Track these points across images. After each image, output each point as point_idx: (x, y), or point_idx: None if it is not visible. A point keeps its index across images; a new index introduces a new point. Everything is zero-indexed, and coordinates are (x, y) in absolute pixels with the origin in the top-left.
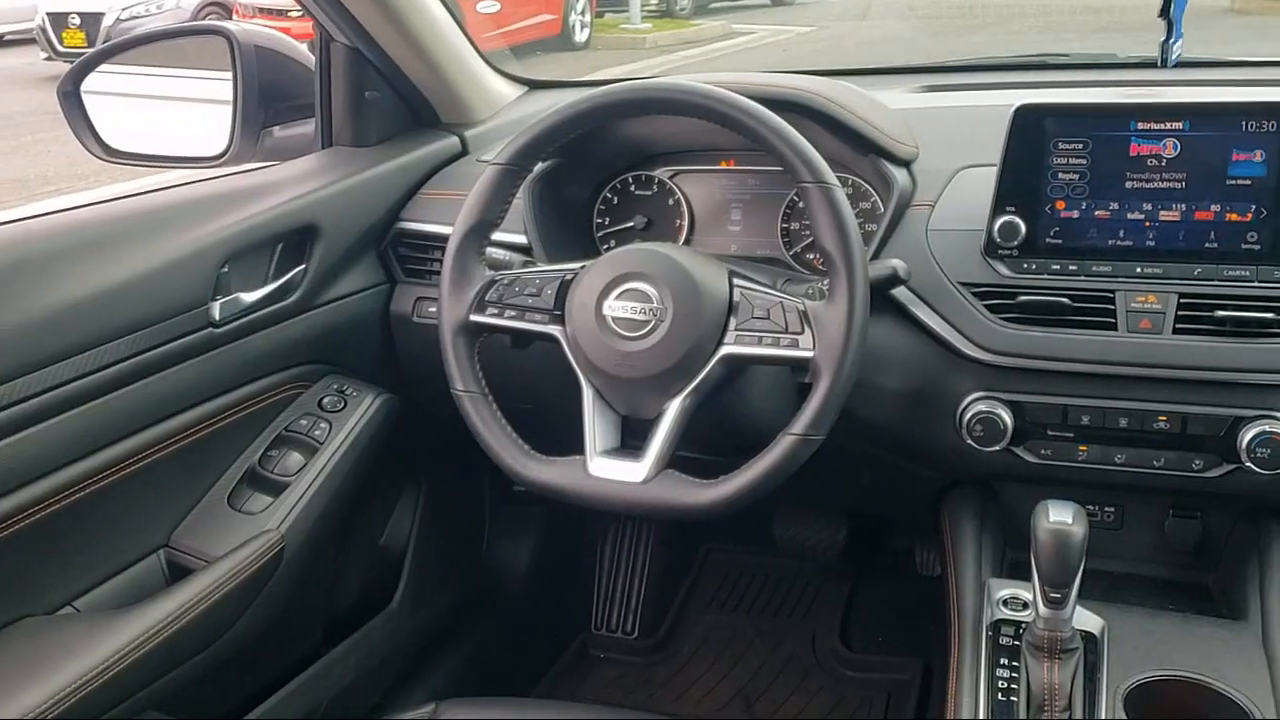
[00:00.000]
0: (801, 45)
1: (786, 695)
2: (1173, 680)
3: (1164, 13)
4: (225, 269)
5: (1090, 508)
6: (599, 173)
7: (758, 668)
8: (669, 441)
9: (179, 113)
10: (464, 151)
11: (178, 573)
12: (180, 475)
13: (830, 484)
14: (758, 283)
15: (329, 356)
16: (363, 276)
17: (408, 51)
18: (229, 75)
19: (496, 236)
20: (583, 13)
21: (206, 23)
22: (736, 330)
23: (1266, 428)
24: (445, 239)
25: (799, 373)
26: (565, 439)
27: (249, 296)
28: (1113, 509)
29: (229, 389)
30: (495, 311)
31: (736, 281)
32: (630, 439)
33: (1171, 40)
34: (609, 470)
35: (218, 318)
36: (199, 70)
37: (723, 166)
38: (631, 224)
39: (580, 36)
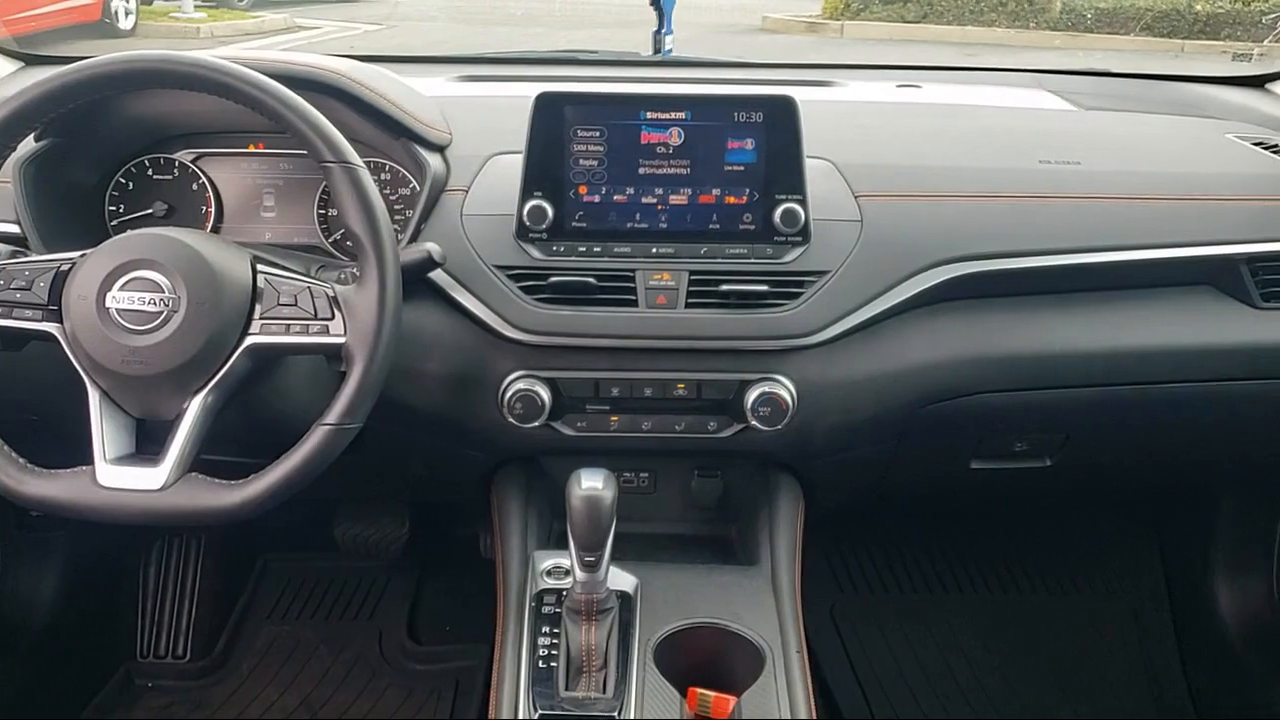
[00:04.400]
0: (369, 40)
1: (354, 698)
2: (695, 627)
3: (654, 4)
4: None
5: (626, 475)
6: (110, 155)
7: (323, 674)
8: (190, 443)
9: None
10: None
11: None
12: None
13: (383, 475)
14: (284, 268)
15: None
16: None
17: None
18: None
19: None
20: None
21: None
22: (262, 319)
23: (766, 389)
24: None
25: (334, 361)
26: (80, 451)
27: None
28: (647, 474)
29: None
30: None
31: (261, 268)
32: (149, 444)
33: (662, 31)
34: (121, 479)
35: None
36: None
37: (252, 150)
38: (150, 211)
39: (125, 24)
